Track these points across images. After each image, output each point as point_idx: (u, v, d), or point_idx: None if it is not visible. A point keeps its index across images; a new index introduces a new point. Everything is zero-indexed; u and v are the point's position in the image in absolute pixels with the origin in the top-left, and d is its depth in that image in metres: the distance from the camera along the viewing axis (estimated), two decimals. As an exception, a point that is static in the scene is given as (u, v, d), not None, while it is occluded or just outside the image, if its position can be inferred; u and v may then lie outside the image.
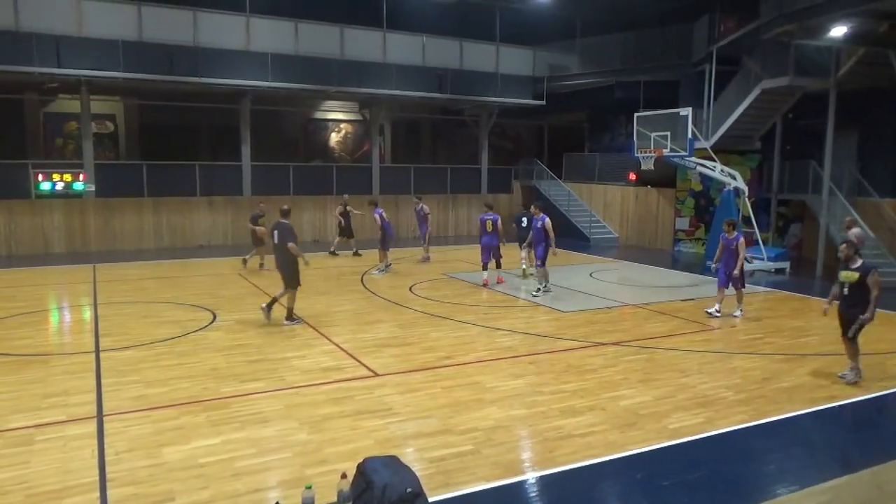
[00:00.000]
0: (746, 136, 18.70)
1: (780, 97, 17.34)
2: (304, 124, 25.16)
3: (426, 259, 16.86)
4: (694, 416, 6.57)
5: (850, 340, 7.56)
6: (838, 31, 13.79)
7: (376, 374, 7.73)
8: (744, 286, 11.22)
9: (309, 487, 4.39)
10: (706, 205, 19.43)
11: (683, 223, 20.14)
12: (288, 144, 24.39)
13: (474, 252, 18.62)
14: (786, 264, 16.21)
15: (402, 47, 21.39)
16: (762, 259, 16.25)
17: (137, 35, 17.61)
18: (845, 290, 7.53)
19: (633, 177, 22.20)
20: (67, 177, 18.34)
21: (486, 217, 13.77)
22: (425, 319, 10.62)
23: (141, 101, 21.39)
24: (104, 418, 6.27)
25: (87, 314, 10.96)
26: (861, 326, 7.43)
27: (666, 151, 16.65)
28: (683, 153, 16.39)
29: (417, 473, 4.50)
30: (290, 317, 10.09)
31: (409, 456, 5.46)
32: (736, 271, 10.82)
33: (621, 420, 6.41)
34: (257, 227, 14.97)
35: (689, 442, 5.97)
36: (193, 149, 22.10)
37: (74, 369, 7.80)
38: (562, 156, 26.01)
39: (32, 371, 7.71)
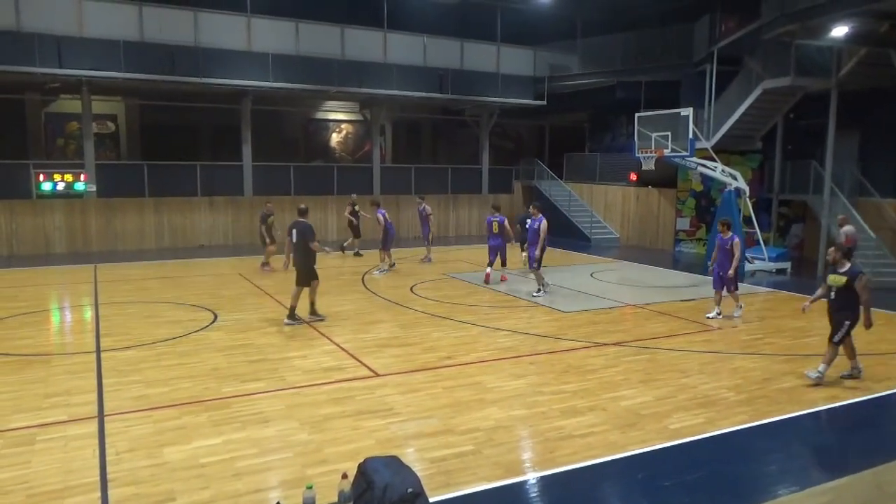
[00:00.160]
0: (747, 137, 18.68)
1: (782, 97, 17.33)
2: (304, 124, 25.16)
3: (428, 259, 16.87)
4: (695, 416, 6.57)
5: (834, 345, 7.48)
6: (839, 31, 13.79)
7: (377, 374, 7.74)
8: (736, 288, 10.97)
9: (310, 487, 4.39)
10: (707, 205, 19.43)
11: (684, 223, 20.14)
12: (289, 144, 24.40)
13: (475, 252, 18.70)
14: (787, 264, 16.21)
15: (403, 47, 21.40)
16: (763, 259, 16.26)
17: (138, 35, 17.63)
18: (832, 294, 7.49)
19: (633, 177, 22.19)
20: (69, 177, 18.37)
21: (493, 219, 13.83)
22: (426, 319, 10.62)
23: (142, 102, 21.40)
24: (105, 418, 6.28)
25: (89, 314, 10.97)
26: (847, 331, 7.37)
27: (667, 152, 16.64)
28: (684, 153, 16.37)
29: (418, 473, 4.50)
30: (293, 316, 10.10)
31: (410, 456, 5.46)
32: (730, 272, 10.64)
33: (622, 420, 6.41)
34: (270, 247, 15.20)
35: (689, 442, 5.97)
36: (194, 149, 22.11)
37: (76, 369, 7.80)
38: (563, 156, 26.01)
39: (34, 371, 7.72)
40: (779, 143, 18.54)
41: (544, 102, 23.55)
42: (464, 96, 22.42)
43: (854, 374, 7.75)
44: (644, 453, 5.71)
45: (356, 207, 17.67)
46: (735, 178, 16.32)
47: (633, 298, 12.58)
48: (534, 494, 5.15)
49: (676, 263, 17.77)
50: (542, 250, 12.71)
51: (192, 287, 13.29)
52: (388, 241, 15.36)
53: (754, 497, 5.02)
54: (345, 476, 4.48)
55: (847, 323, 7.36)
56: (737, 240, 10.73)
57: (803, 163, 17.56)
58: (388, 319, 10.57)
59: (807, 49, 15.68)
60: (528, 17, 23.22)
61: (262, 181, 20.67)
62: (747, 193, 16.50)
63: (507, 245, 14.15)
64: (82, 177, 18.41)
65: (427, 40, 21.79)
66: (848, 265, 7.43)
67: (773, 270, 16.04)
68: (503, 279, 13.87)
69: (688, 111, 16.36)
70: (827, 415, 6.83)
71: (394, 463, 4.49)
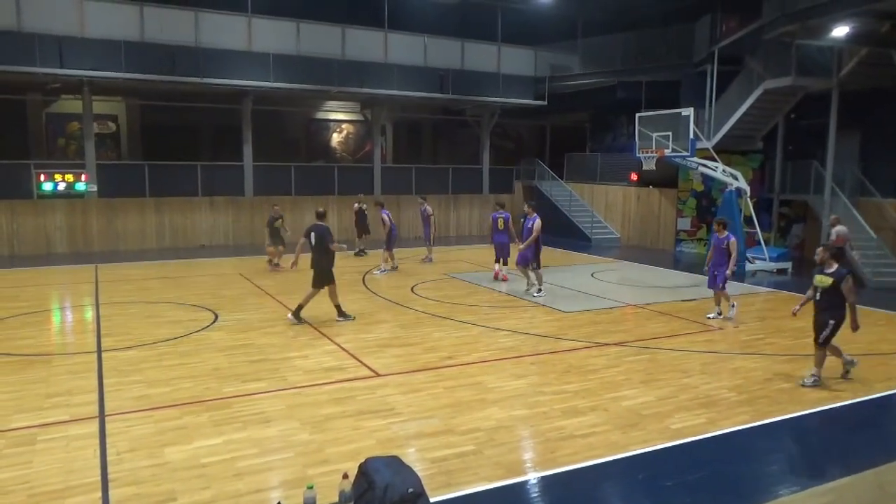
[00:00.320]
0: (748, 137, 18.68)
1: (783, 97, 17.33)
2: (305, 124, 25.17)
3: (429, 259, 16.87)
4: (696, 416, 6.56)
5: (821, 347, 7.42)
6: (840, 31, 13.79)
7: (378, 375, 7.73)
8: (723, 288, 10.75)
9: (311, 487, 4.39)
10: (708, 205, 19.42)
11: (685, 223, 20.13)
12: (289, 145, 24.41)
13: (476, 252, 18.71)
14: (788, 265, 16.19)
15: (404, 47, 21.40)
16: (764, 259, 16.25)
17: (139, 35, 17.65)
18: (817, 296, 7.43)
19: (634, 177, 22.18)
20: (70, 177, 18.38)
21: (497, 215, 13.89)
22: (427, 319, 10.62)
23: (143, 102, 21.41)
24: (106, 418, 6.28)
25: (90, 314, 10.98)
26: (832, 332, 7.32)
27: (668, 152, 16.64)
28: (685, 153, 16.38)
29: (419, 473, 4.50)
30: (298, 315, 10.12)
31: (411, 456, 5.46)
32: (728, 272, 10.56)
33: (623, 420, 6.41)
34: (270, 248, 15.29)
35: (691, 442, 5.97)
36: (195, 149, 22.12)
37: (77, 369, 7.81)
38: (563, 156, 26.01)
39: (35, 371, 7.72)
40: (780, 143, 18.53)
41: (545, 102, 23.54)
42: (464, 96, 22.42)
43: (848, 369, 7.70)
44: (645, 453, 5.71)
45: (364, 207, 17.67)
46: (736, 178, 16.32)
47: (634, 298, 12.58)
48: (535, 494, 5.14)
49: (677, 263, 17.76)
50: (538, 250, 12.67)
51: (193, 287, 13.30)
52: (391, 241, 15.41)
53: (756, 497, 5.01)
54: (346, 476, 4.48)
55: (832, 323, 7.28)
56: (732, 239, 10.59)
57: (804, 163, 17.55)
58: (389, 319, 10.57)
59: (808, 49, 15.67)
60: (528, 17, 23.22)
61: (262, 181, 20.69)
62: (748, 193, 16.51)
63: (513, 243, 14.14)
64: (83, 177, 18.43)
65: (428, 40, 21.79)
66: (835, 266, 7.37)
67: (774, 270, 16.04)
68: (504, 279, 13.87)
69: (689, 111, 16.36)
70: (828, 415, 6.81)
71: (395, 463, 4.49)
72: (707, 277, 11.07)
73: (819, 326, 7.43)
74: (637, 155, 17.81)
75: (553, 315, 11.09)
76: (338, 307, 10.33)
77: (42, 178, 18.05)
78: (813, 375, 7.53)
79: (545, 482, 5.23)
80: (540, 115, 26.28)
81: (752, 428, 6.33)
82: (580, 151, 26.31)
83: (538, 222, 12.44)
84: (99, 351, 8.58)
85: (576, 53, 23.73)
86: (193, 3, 18.55)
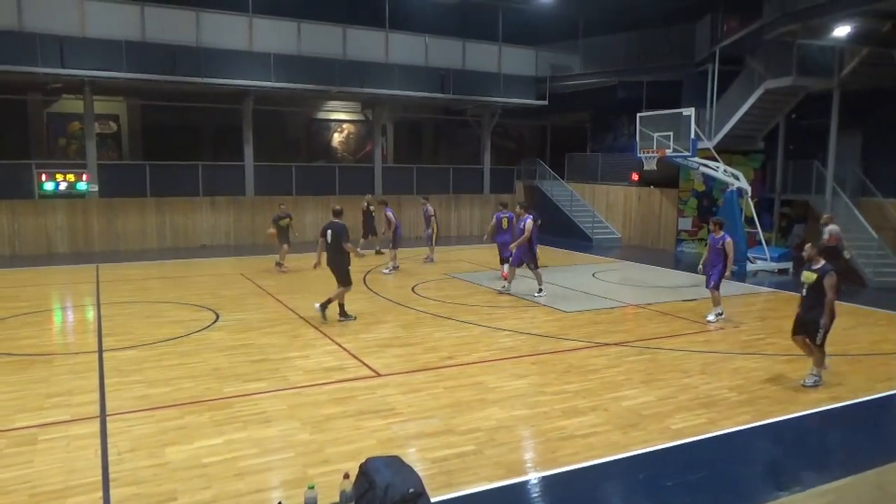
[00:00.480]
0: (749, 136, 18.67)
1: (784, 97, 17.31)
2: (306, 124, 25.18)
3: (430, 259, 16.88)
4: (697, 416, 6.56)
5: (818, 347, 7.42)
6: (841, 31, 13.77)
7: (379, 375, 7.74)
8: (717, 288, 10.65)
9: (311, 487, 4.39)
10: (709, 205, 19.40)
11: (686, 223, 20.12)
12: (290, 145, 24.42)
13: (477, 252, 18.70)
14: (789, 265, 16.18)
15: (405, 47, 21.40)
16: (765, 259, 16.24)
17: (140, 35, 17.65)
18: (803, 292, 7.47)
19: (635, 177, 22.18)
20: (71, 177, 18.39)
21: (501, 215, 13.89)
22: (428, 319, 10.62)
23: (144, 102, 21.43)
24: (107, 418, 6.29)
25: (91, 314, 10.98)
26: (826, 332, 7.32)
27: (669, 151, 16.62)
28: (686, 153, 16.36)
29: (420, 473, 4.50)
30: (344, 313, 10.27)
31: (412, 456, 5.46)
32: (727, 273, 10.49)
33: (624, 420, 6.41)
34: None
35: (691, 442, 5.97)
36: (196, 149, 22.12)
37: (78, 369, 7.81)
38: (564, 156, 25.99)
39: (36, 371, 7.73)
40: (781, 143, 18.51)
41: (546, 102, 23.53)
42: (465, 96, 22.41)
43: (809, 382, 7.56)
44: (646, 453, 5.71)
45: (371, 208, 17.67)
46: (737, 178, 16.31)
47: (635, 298, 12.57)
48: (535, 495, 5.14)
49: (678, 263, 17.74)
50: (533, 249, 12.63)
51: (194, 287, 13.30)
52: (396, 240, 15.48)
53: (756, 497, 5.01)
54: (346, 476, 4.48)
55: (823, 323, 7.29)
56: (728, 239, 10.48)
57: (805, 163, 17.53)
58: (390, 319, 10.57)
59: (809, 49, 15.66)
60: (529, 17, 23.21)
61: (263, 181, 20.69)
62: (749, 193, 16.49)
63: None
64: (84, 177, 18.44)
65: (429, 40, 21.79)
66: (822, 262, 7.40)
67: (775, 270, 16.03)
68: (504, 276, 13.84)
69: (690, 111, 16.35)
70: (829, 415, 6.81)
71: (395, 463, 4.49)
72: (704, 277, 10.99)
73: (803, 324, 7.45)
74: (638, 155, 17.80)
75: (554, 315, 11.09)
76: (341, 306, 10.36)
77: (43, 177, 18.06)
78: (814, 376, 7.53)
79: (546, 482, 5.23)
80: (541, 115, 26.27)
81: (752, 428, 6.33)
82: (581, 151, 26.30)
83: (530, 222, 12.39)
84: (100, 351, 8.58)
85: (577, 53, 23.71)
86: (194, 2, 18.54)
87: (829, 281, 7.22)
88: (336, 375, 7.69)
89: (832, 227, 13.33)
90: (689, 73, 20.10)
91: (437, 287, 13.50)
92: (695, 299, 12.43)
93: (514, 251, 12.52)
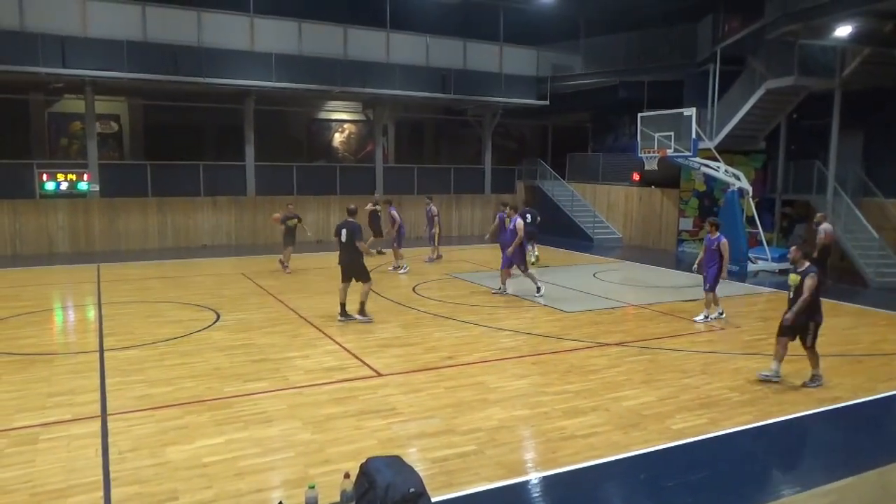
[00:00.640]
0: (751, 137, 18.65)
1: (785, 97, 17.30)
2: (307, 124, 25.19)
3: (432, 259, 16.89)
4: (697, 416, 6.55)
5: (810, 350, 7.45)
6: (843, 30, 13.76)
7: (379, 374, 7.74)
8: (712, 289, 10.59)
9: (312, 487, 4.40)
10: (710, 205, 19.39)
11: (687, 223, 20.10)
12: (292, 144, 24.42)
13: (478, 252, 18.70)
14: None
15: (406, 47, 21.40)
16: (766, 259, 16.22)
17: (142, 35, 17.66)
18: (791, 294, 7.49)
19: (636, 177, 22.17)
20: (72, 177, 18.40)
21: (504, 215, 13.85)
22: (429, 319, 10.62)
23: (145, 102, 21.44)
24: (108, 417, 6.29)
25: (92, 314, 10.99)
26: (815, 334, 7.36)
27: (670, 152, 16.61)
28: (687, 153, 16.35)
29: (420, 473, 4.50)
30: (363, 312, 10.27)
31: (412, 456, 5.46)
32: (723, 274, 10.44)
33: (624, 421, 6.40)
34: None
35: (692, 443, 5.96)
36: (197, 149, 22.13)
37: (79, 369, 7.82)
38: (565, 156, 25.98)
39: (37, 370, 7.73)
40: (782, 143, 18.50)
41: (547, 102, 23.52)
42: (467, 96, 22.40)
43: (771, 378, 7.56)
44: (647, 454, 5.71)
45: (377, 209, 17.66)
46: (738, 178, 16.30)
47: (636, 299, 12.57)
48: (536, 495, 5.14)
49: (679, 263, 17.72)
50: (522, 251, 12.59)
51: (195, 287, 13.31)
52: (400, 239, 15.48)
53: (757, 497, 5.01)
54: (347, 476, 4.48)
55: (812, 325, 7.35)
56: (724, 240, 10.41)
57: (807, 163, 17.51)
58: (391, 319, 10.57)
59: (810, 49, 15.64)
60: (530, 17, 23.21)
61: (264, 181, 20.69)
62: (750, 193, 16.48)
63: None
64: (86, 176, 18.45)
65: (430, 40, 21.78)
66: (806, 264, 7.44)
67: (776, 271, 16.00)
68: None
69: (691, 111, 16.35)
70: (830, 415, 6.80)
71: (396, 463, 4.49)
72: (702, 278, 10.90)
73: (800, 329, 7.44)
74: (639, 155, 17.79)
75: (554, 315, 11.09)
76: (342, 305, 10.36)
77: (44, 177, 18.07)
78: (814, 376, 7.52)
79: (546, 482, 5.23)
80: (542, 115, 26.26)
81: (753, 428, 6.32)
82: (582, 151, 26.29)
83: (520, 222, 12.32)
84: (101, 350, 8.59)
85: (578, 53, 23.70)
86: (196, 2, 18.55)
87: (808, 282, 7.29)
88: (337, 375, 7.69)
89: (826, 226, 13.42)
90: (691, 73, 20.08)
91: (438, 287, 13.50)
92: (696, 299, 12.41)
93: (508, 254, 12.44)
